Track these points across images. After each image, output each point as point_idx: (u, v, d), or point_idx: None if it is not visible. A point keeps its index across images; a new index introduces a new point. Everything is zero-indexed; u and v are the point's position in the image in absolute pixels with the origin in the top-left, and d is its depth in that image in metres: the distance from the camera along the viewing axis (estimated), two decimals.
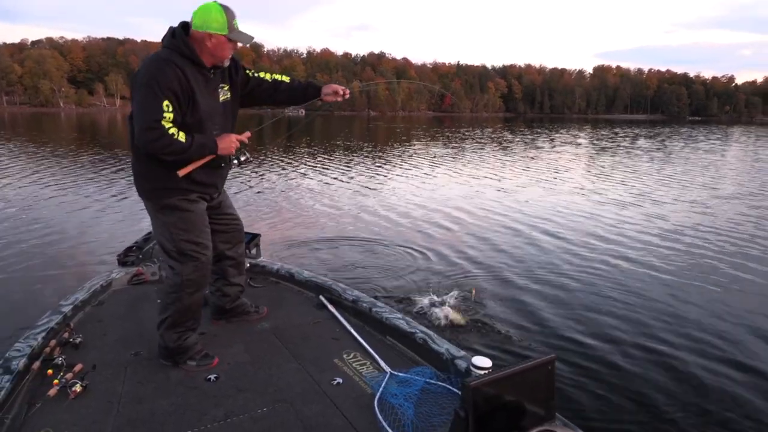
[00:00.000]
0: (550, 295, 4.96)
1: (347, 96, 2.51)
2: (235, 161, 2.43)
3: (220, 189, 2.56)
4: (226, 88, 2.38)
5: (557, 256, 6.22)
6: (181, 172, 2.25)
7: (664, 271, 5.68)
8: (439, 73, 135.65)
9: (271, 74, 2.57)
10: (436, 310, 4.14)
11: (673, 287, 5.20)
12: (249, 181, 11.49)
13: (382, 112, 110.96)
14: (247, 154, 2.45)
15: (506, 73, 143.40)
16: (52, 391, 2.09)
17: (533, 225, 7.83)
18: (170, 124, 2.12)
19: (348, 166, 14.94)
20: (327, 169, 14.17)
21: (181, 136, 2.15)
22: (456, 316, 3.35)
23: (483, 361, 1.85)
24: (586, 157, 19.41)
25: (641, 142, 28.33)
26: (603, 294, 5.00)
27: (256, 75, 2.52)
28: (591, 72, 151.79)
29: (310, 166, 14.75)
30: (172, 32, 2.22)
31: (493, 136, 32.60)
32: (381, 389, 2.13)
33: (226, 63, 2.31)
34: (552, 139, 29.81)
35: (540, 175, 13.72)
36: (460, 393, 1.95)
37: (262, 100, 2.57)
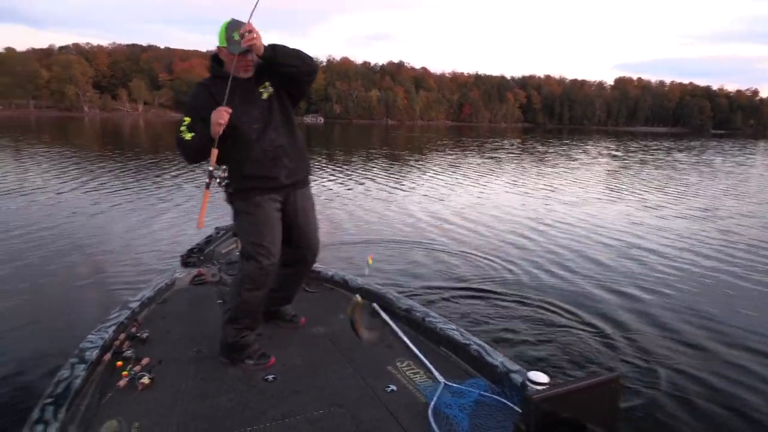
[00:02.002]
0: (625, 308, 4.68)
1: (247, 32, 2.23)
2: (217, 180, 2.46)
3: (286, 182, 2.51)
4: (267, 84, 2.48)
5: (636, 271, 5.93)
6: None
7: (749, 288, 5.33)
8: (458, 82, 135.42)
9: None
10: None
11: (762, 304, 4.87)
12: None
13: (401, 121, 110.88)
14: (220, 173, 2.47)
15: (525, 83, 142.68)
16: (122, 383, 2.19)
17: (602, 238, 7.48)
18: (184, 128, 2.39)
19: (392, 174, 14.64)
20: (370, 176, 13.86)
21: (188, 135, 2.38)
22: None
23: (540, 377, 1.77)
24: (630, 170, 18.82)
25: (678, 155, 27.61)
26: (685, 311, 4.66)
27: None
28: (612, 83, 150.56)
29: (350, 173, 14.44)
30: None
31: (523, 147, 32.15)
32: (435, 399, 2.10)
33: (248, 72, 2.45)
34: (585, 151, 29.31)
35: (593, 187, 13.31)
36: (517, 407, 1.96)
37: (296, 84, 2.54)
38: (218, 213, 7.99)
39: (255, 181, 2.46)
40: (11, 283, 4.89)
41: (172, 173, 12.84)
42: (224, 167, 2.48)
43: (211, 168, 2.39)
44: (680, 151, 31.62)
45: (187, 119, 2.41)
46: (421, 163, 19.53)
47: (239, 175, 2.47)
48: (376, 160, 19.34)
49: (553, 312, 4.50)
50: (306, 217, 2.64)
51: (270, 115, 2.47)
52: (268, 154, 2.45)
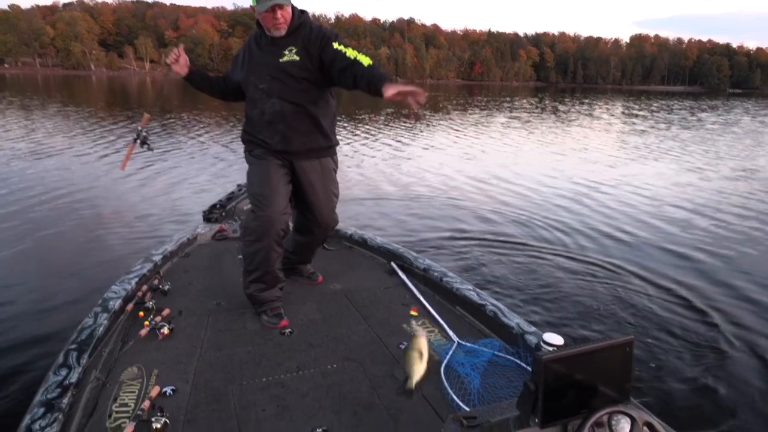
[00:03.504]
0: (664, 271, 4.44)
1: (419, 99, 2.04)
2: (139, 140, 2.82)
3: (279, 148, 2.44)
4: (294, 51, 2.37)
5: (681, 232, 5.67)
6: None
7: None
8: (470, 40, 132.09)
9: (357, 53, 2.26)
10: None
11: None
12: None
13: (410, 80, 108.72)
14: (145, 138, 2.82)
15: (539, 41, 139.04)
16: (143, 332, 2.25)
17: (644, 199, 7.15)
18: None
19: (415, 134, 14.17)
20: (391, 136, 13.35)
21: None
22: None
23: (554, 338, 1.75)
24: (658, 129, 18.10)
25: (702, 115, 26.78)
26: (731, 273, 4.41)
27: (339, 49, 2.30)
28: (627, 41, 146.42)
29: (370, 134, 13.90)
30: None
31: (542, 106, 31.38)
32: (448, 357, 2.12)
33: (279, 30, 2.35)
34: (607, 110, 28.57)
35: (626, 148, 12.81)
36: (529, 367, 1.98)
37: (335, 80, 2.36)
38: (240, 169, 7.85)
39: (252, 138, 2.49)
40: (39, 239, 4.88)
41: (191, 134, 12.59)
42: (145, 130, 2.82)
43: (139, 128, 2.80)
44: (703, 110, 30.72)
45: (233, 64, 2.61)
46: (442, 122, 18.94)
47: (244, 128, 2.55)
48: (395, 120, 18.80)
49: (585, 273, 4.35)
50: (313, 189, 2.53)
51: (280, 80, 2.38)
52: (265, 117, 2.41)
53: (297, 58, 2.35)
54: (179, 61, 2.48)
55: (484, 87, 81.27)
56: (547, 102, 36.20)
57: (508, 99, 39.07)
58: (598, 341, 1.22)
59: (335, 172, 2.62)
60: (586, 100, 40.38)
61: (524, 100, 37.60)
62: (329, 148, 2.55)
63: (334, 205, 2.63)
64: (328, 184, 2.58)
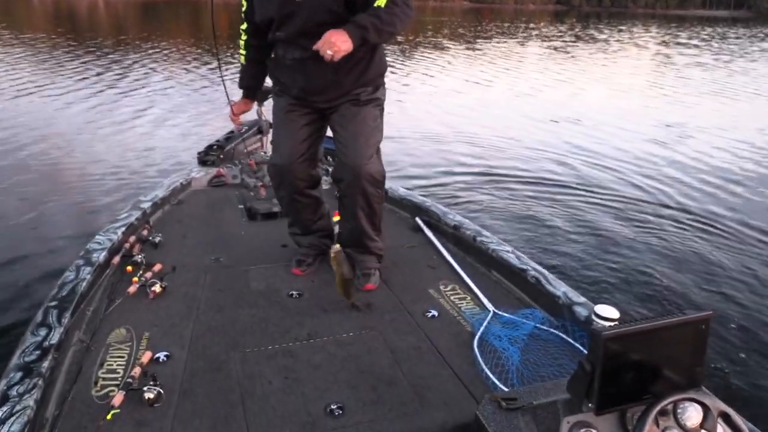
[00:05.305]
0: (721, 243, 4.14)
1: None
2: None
3: (300, 95, 2.33)
4: None
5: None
6: None
7: None
8: None
9: None
10: None
11: None
12: None
13: None
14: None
15: None
16: (132, 289, 2.22)
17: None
18: (243, 17, 2.39)
19: (449, 67, 13.76)
20: (414, 67, 12.88)
21: (242, 57, 2.53)
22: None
23: (609, 311, 1.73)
24: (721, 62, 17.54)
25: (763, 44, 26.21)
26: None
27: None
28: None
29: (394, 64, 13.33)
30: None
31: (573, 35, 30.67)
32: (482, 329, 2.10)
33: None
34: (653, 39, 28.12)
35: (694, 85, 12.39)
36: (577, 343, 2.00)
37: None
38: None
39: (273, 76, 2.44)
40: (10, 184, 4.84)
41: (173, 66, 12.18)
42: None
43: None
44: (761, 39, 30.28)
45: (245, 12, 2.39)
46: (469, 52, 18.41)
47: (270, 61, 2.46)
48: (418, 48, 18.13)
49: (654, 228, 4.12)
50: (340, 136, 2.34)
51: (300, 18, 2.16)
52: (286, 61, 2.30)
53: None
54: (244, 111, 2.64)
55: (495, 11, 79.51)
56: (579, 29, 35.41)
57: (531, 26, 38.14)
58: (668, 316, 1.17)
59: (376, 107, 2.40)
60: (623, 27, 39.72)
61: (552, 27, 36.77)
62: (349, 93, 2.33)
63: (366, 144, 2.30)
64: (360, 123, 2.32)
